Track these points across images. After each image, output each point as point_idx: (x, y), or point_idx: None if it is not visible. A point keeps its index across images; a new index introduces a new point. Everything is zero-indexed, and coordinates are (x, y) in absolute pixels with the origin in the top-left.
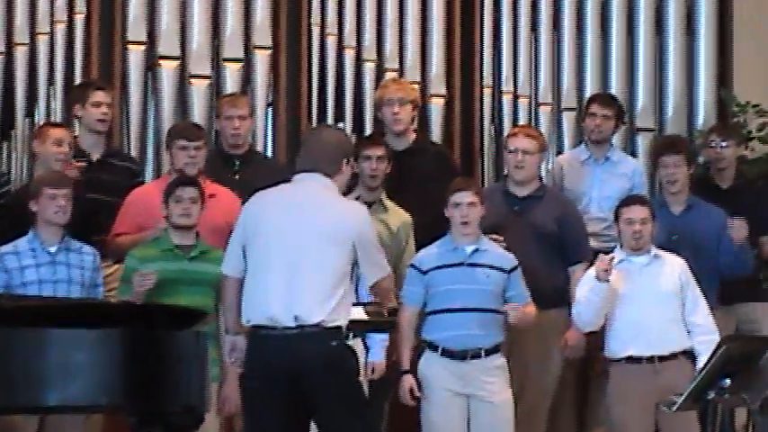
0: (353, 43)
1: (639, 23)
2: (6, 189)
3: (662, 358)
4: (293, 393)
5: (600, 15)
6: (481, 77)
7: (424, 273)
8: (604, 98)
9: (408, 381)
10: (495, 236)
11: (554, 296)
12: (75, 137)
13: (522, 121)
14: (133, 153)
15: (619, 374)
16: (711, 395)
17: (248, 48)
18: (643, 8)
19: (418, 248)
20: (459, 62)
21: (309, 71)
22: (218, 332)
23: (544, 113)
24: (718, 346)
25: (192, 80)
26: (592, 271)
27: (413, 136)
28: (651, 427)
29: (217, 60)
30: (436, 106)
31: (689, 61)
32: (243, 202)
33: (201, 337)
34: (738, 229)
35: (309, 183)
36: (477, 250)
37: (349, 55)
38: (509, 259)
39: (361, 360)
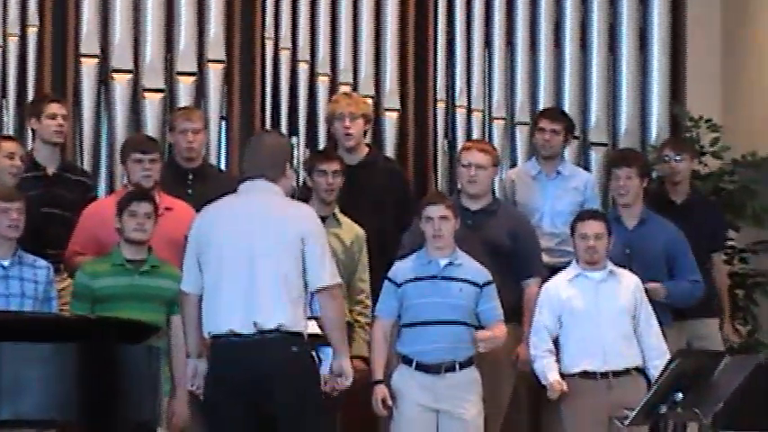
0: (307, 57)
1: (593, 39)
2: None
3: (616, 374)
4: (255, 402)
5: (553, 30)
6: (435, 91)
7: (399, 285)
8: (553, 113)
9: (381, 391)
10: None
11: (507, 311)
12: (31, 150)
13: (476, 135)
14: (86, 166)
15: (572, 389)
16: (664, 410)
17: (202, 61)
18: (596, 23)
19: (370, 263)
20: (413, 76)
21: (263, 85)
22: (169, 347)
23: (498, 127)
24: (671, 361)
25: (146, 93)
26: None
27: (365, 150)
28: None
29: (170, 74)
30: (390, 120)
31: (642, 76)
32: None
33: (154, 351)
34: (654, 292)
35: (256, 190)
36: (450, 264)
37: (303, 69)
38: (483, 274)
39: None
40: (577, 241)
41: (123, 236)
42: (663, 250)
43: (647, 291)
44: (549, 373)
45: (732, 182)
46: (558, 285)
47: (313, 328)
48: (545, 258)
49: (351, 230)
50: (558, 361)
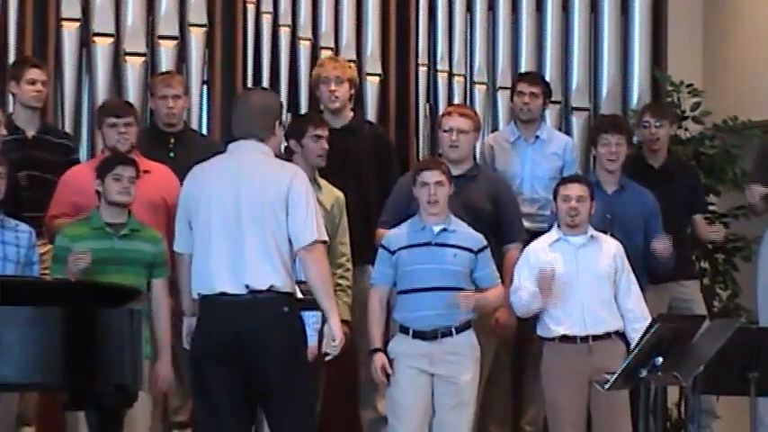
0: (289, 22)
1: (575, 3)
2: None
3: (596, 338)
4: (241, 362)
5: None
6: (416, 56)
7: (393, 253)
8: (531, 76)
9: (380, 358)
10: None
11: None
12: (11, 114)
13: (458, 99)
14: (67, 130)
15: (552, 354)
16: (644, 373)
17: (183, 25)
18: None
19: (350, 228)
20: (395, 41)
21: (245, 49)
22: (150, 310)
23: (479, 92)
24: (651, 325)
25: (127, 57)
26: (531, 254)
27: (350, 115)
28: (584, 406)
29: (151, 38)
30: (371, 85)
31: (623, 41)
32: (179, 180)
33: (136, 314)
34: (660, 249)
35: (244, 151)
36: (444, 230)
37: (284, 33)
38: (477, 240)
39: None
40: (560, 203)
41: (107, 199)
42: (641, 215)
43: (655, 250)
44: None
45: (713, 147)
46: (539, 249)
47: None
48: (525, 224)
49: (331, 194)
50: (538, 324)
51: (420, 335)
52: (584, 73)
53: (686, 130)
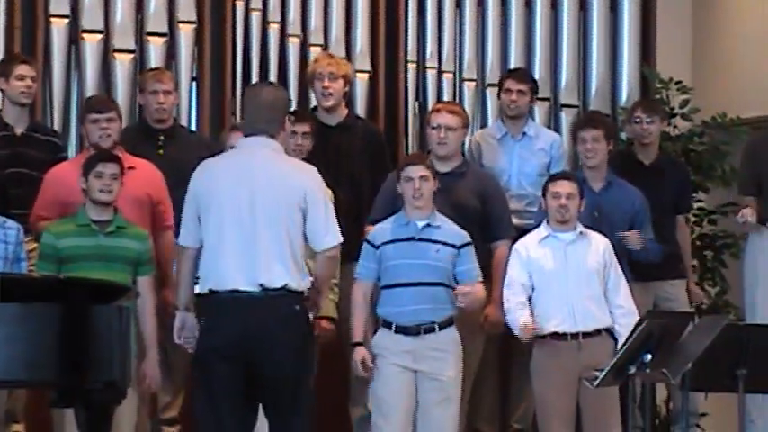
0: (278, 18)
1: (563, 0)
2: None
3: (585, 334)
4: (248, 359)
5: None
6: (405, 53)
7: (377, 247)
8: (519, 73)
9: (361, 352)
10: None
11: None
12: None
13: (447, 96)
14: (56, 127)
15: (542, 350)
16: (633, 370)
17: (172, 22)
18: None
19: (341, 225)
20: (384, 38)
21: (234, 46)
22: (137, 307)
23: (468, 89)
24: (640, 322)
25: (116, 54)
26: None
27: (344, 112)
28: (573, 403)
29: (140, 35)
30: (361, 82)
31: (612, 38)
32: (167, 177)
33: (125, 311)
34: (632, 240)
35: (255, 147)
36: (428, 225)
37: (273, 30)
38: (461, 236)
39: None
40: (549, 200)
41: (89, 197)
42: (628, 213)
43: (623, 239)
44: (521, 318)
45: (702, 143)
46: (529, 245)
47: None
48: (513, 220)
49: None
50: None
51: (402, 330)
52: (574, 70)
53: (675, 127)
